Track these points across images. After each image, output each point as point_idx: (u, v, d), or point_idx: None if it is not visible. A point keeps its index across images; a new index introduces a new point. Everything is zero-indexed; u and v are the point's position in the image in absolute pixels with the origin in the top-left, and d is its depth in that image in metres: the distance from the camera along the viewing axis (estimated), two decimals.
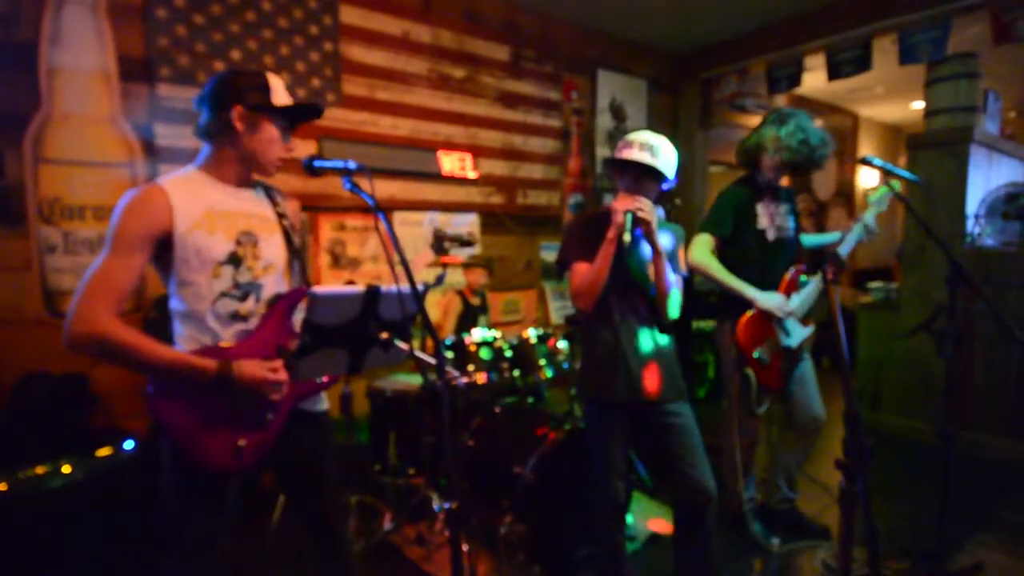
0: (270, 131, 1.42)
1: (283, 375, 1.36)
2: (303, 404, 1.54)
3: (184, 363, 1.28)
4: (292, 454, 1.53)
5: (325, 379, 1.54)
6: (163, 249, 1.33)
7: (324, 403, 1.62)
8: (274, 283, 1.47)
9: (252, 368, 1.33)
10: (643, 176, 1.89)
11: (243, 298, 1.41)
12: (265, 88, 1.40)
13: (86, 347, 1.23)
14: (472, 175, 4.04)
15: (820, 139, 2.42)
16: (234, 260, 1.40)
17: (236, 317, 1.41)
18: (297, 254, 1.54)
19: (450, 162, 3.90)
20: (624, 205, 1.80)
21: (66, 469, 2.09)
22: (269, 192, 1.55)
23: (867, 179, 7.79)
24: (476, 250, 3.96)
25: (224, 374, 1.30)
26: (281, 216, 1.52)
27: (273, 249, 1.48)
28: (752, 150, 2.52)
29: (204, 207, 1.37)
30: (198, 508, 1.40)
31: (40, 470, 2.05)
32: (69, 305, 1.24)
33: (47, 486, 2.04)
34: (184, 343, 1.39)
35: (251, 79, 1.40)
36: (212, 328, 1.38)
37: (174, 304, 1.39)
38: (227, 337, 1.39)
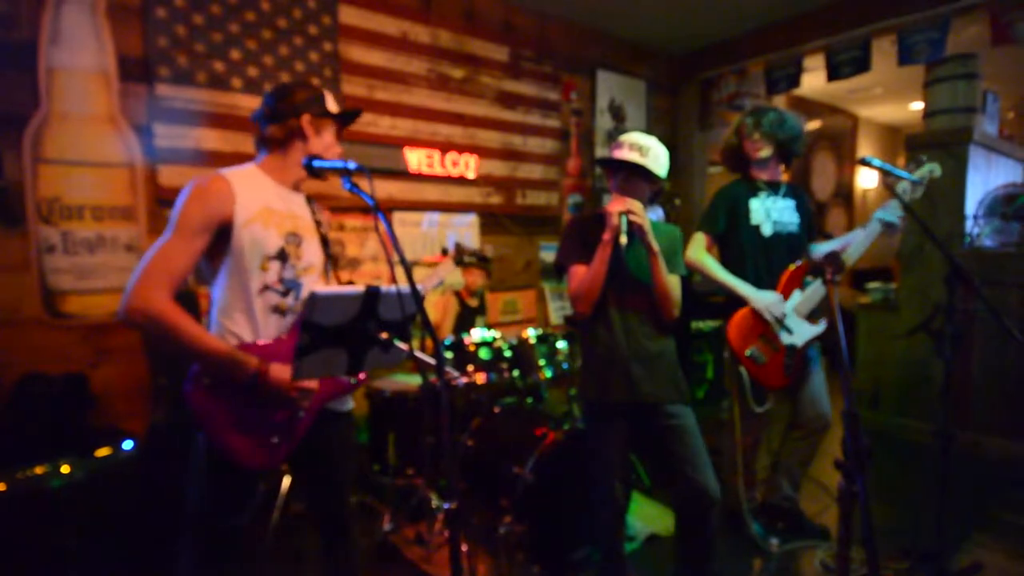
0: (330, 135, 1.57)
1: (314, 384, 1.41)
2: (329, 404, 1.58)
3: (229, 356, 1.33)
4: (315, 452, 1.57)
5: (361, 377, 1.57)
6: (219, 237, 1.39)
7: (348, 403, 1.66)
8: (311, 284, 1.54)
9: (287, 374, 1.37)
10: (633, 176, 1.89)
11: (285, 294, 1.48)
12: (323, 99, 1.56)
13: (139, 323, 1.29)
14: (471, 175, 4.04)
15: (795, 120, 2.49)
16: (282, 256, 1.47)
17: (276, 311, 1.46)
18: (331, 260, 1.65)
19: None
20: (617, 207, 1.81)
21: (65, 469, 2.09)
22: (309, 201, 1.65)
23: (866, 180, 7.80)
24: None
25: (262, 373, 1.34)
26: (319, 224, 1.62)
27: (312, 252, 1.56)
28: (733, 141, 2.56)
29: (261, 203, 1.45)
30: (228, 506, 1.44)
31: (39, 470, 2.05)
32: (128, 281, 1.30)
33: (46, 486, 2.04)
34: (219, 334, 1.42)
35: (312, 91, 1.56)
36: (256, 319, 1.43)
37: (217, 294, 1.44)
38: (266, 329, 1.44)
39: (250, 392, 1.36)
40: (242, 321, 1.42)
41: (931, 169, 2.29)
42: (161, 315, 1.27)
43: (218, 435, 1.36)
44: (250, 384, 1.34)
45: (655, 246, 1.84)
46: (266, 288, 1.44)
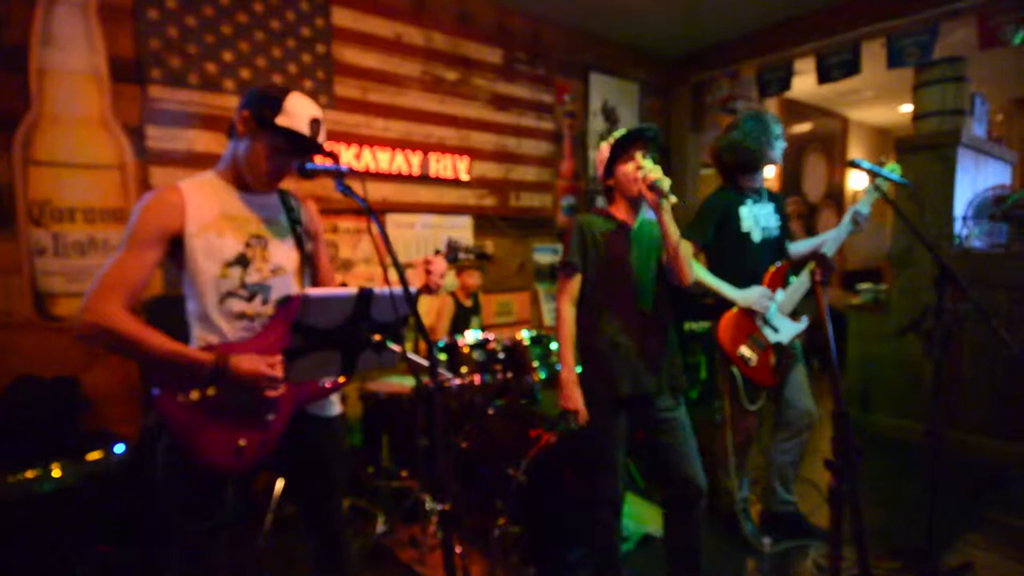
0: (261, 145, 1.42)
1: (280, 371, 1.37)
2: (312, 408, 1.55)
3: (183, 355, 1.31)
4: (300, 458, 1.55)
5: (328, 384, 1.54)
6: (176, 248, 1.38)
7: (335, 407, 1.64)
8: (283, 285, 1.50)
9: (249, 362, 1.34)
10: (639, 144, 1.96)
11: (250, 298, 1.44)
12: (276, 105, 1.40)
13: (93, 337, 1.27)
14: (465, 177, 4.04)
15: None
16: (242, 261, 1.43)
17: (242, 317, 1.44)
18: (308, 259, 1.58)
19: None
20: (653, 175, 1.80)
21: (56, 473, 2.07)
22: (285, 198, 1.58)
23: (856, 181, 7.86)
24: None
25: (221, 368, 1.32)
26: (295, 221, 1.56)
27: (283, 253, 1.51)
28: (750, 145, 2.50)
29: (216, 211, 1.42)
30: (196, 509, 1.42)
31: (30, 474, 2.03)
32: (81, 297, 1.29)
33: (37, 490, 2.02)
34: (195, 343, 1.42)
35: (271, 92, 1.43)
36: (219, 327, 1.41)
37: (187, 304, 1.44)
38: (233, 336, 1.42)
39: (217, 390, 1.34)
40: (209, 328, 1.41)
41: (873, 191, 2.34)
42: (114, 327, 1.26)
43: (184, 436, 1.34)
44: (212, 379, 1.32)
45: (666, 204, 1.83)
46: (229, 295, 1.41)
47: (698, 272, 2.45)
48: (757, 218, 2.53)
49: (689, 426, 1.99)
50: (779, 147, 2.53)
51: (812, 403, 2.55)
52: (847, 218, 2.41)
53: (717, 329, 2.45)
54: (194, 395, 1.34)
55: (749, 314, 2.44)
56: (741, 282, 2.45)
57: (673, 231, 1.87)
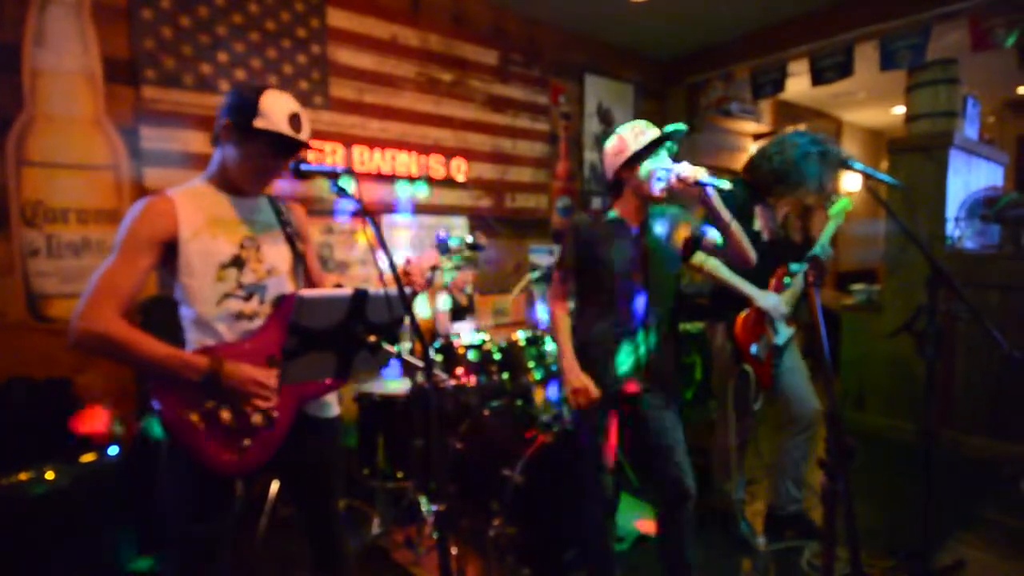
0: (246, 151, 1.41)
1: (274, 383, 1.37)
2: (311, 410, 1.55)
3: (177, 359, 1.31)
4: (298, 460, 1.55)
5: (328, 382, 1.54)
6: (170, 255, 1.38)
7: (334, 409, 1.64)
8: (277, 286, 1.50)
9: (244, 369, 1.35)
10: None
11: (248, 298, 1.45)
12: (252, 108, 1.37)
13: (88, 344, 1.28)
14: (460, 178, 4.04)
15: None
16: (237, 262, 1.44)
17: (241, 317, 1.44)
18: (300, 259, 1.58)
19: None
20: (699, 173, 1.79)
21: (49, 475, 2.06)
22: (273, 201, 1.59)
23: (849, 182, 7.89)
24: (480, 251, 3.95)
25: (215, 372, 1.31)
26: (285, 223, 1.57)
27: (276, 254, 1.52)
28: (802, 195, 2.56)
29: (207, 215, 1.42)
30: (202, 512, 1.41)
31: (23, 476, 2.02)
32: (75, 304, 1.29)
33: (30, 493, 2.01)
34: (191, 347, 1.41)
35: (245, 95, 1.39)
36: (217, 329, 1.41)
37: (182, 310, 1.43)
38: (231, 337, 1.42)
39: (209, 393, 1.33)
40: (206, 331, 1.41)
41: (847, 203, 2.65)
42: (106, 334, 1.26)
43: (187, 440, 1.34)
44: (206, 384, 1.31)
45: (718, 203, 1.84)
46: (226, 296, 1.41)
47: (718, 268, 2.43)
48: (767, 219, 2.57)
49: (680, 427, 2.00)
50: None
51: (814, 401, 2.57)
52: (817, 252, 2.54)
53: (733, 327, 2.46)
54: (194, 416, 1.33)
55: (762, 315, 2.46)
56: (750, 281, 2.46)
57: (726, 214, 1.85)
